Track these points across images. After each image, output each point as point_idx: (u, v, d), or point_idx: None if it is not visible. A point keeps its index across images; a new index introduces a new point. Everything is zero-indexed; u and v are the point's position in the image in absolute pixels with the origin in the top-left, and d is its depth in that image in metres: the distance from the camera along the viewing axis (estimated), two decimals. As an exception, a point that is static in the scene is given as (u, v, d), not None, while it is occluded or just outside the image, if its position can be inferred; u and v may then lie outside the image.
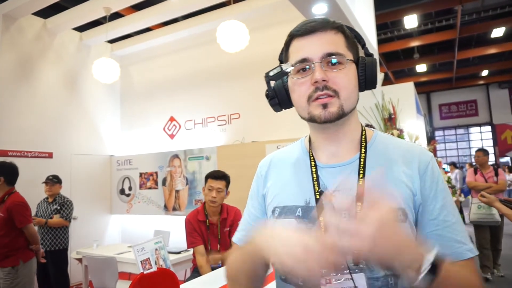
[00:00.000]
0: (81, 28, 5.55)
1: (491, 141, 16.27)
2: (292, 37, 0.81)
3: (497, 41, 10.66)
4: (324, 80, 0.74)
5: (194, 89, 5.58)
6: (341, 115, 0.76)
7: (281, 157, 0.93)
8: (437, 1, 7.75)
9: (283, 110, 0.88)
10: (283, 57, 0.85)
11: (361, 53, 0.85)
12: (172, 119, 5.78)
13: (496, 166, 5.07)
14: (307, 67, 0.77)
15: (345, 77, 0.76)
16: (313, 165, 0.83)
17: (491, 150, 16.18)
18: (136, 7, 5.35)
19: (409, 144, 0.84)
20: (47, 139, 5.05)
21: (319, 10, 2.93)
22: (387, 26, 9.42)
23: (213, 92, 5.38)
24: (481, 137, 16.74)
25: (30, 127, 4.86)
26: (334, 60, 0.75)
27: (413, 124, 4.97)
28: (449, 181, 3.08)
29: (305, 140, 0.92)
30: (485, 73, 14.25)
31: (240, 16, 4.71)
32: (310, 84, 0.76)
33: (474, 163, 5.35)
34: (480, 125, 16.59)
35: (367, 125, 3.60)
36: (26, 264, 3.02)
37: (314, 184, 0.80)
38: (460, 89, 16.38)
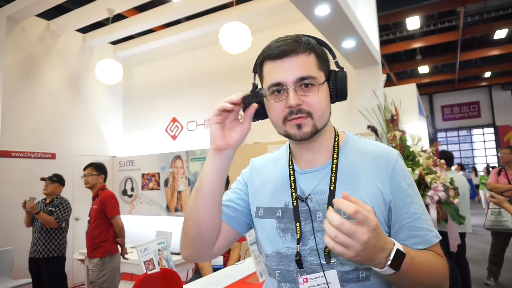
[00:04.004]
0: (84, 30, 5.58)
1: (494, 142, 16.20)
2: (264, 58, 0.84)
3: (500, 42, 10.62)
4: (298, 105, 0.79)
5: (196, 90, 5.59)
6: (315, 133, 0.82)
7: (271, 158, 1.00)
8: (439, 3, 7.72)
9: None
10: (258, 75, 0.89)
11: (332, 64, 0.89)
12: (174, 120, 5.79)
13: None
14: (282, 90, 0.80)
15: (318, 99, 0.81)
16: (291, 170, 0.91)
17: (493, 152, 16.11)
18: (139, 9, 5.37)
19: (375, 144, 0.91)
20: (50, 140, 5.07)
21: (322, 12, 2.93)
22: (389, 28, 9.40)
23: (216, 93, 5.39)
24: (483, 139, 16.67)
25: (33, 128, 4.88)
26: (307, 83, 0.79)
27: (416, 125, 4.96)
28: (452, 182, 3.06)
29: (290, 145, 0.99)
30: (487, 74, 14.19)
31: (243, 17, 4.71)
32: (285, 107, 0.80)
33: (499, 165, 4.91)
34: (482, 126, 16.51)
35: (369, 126, 3.60)
36: (112, 257, 3.17)
37: (291, 189, 0.88)
38: (463, 90, 16.31)
